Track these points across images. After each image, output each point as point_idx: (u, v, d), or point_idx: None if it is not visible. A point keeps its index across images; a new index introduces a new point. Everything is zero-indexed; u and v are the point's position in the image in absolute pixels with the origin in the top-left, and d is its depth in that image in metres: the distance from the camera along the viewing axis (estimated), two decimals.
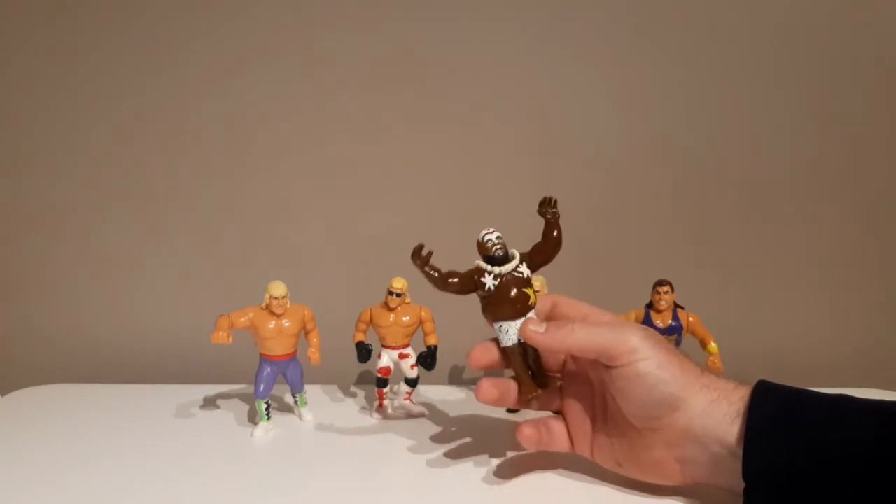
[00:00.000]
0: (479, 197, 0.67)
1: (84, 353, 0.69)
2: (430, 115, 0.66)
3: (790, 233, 0.68)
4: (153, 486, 0.43)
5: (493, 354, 0.43)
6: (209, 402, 0.57)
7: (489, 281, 0.40)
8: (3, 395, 0.60)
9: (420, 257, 0.40)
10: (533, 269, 0.42)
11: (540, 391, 0.42)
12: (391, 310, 0.53)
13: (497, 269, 0.41)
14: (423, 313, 0.54)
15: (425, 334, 0.54)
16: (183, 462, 0.46)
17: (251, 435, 0.51)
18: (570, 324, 0.40)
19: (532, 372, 0.42)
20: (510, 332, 0.41)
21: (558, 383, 0.43)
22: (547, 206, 0.42)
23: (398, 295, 0.52)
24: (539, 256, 0.42)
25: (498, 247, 0.41)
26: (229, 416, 0.55)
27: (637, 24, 0.64)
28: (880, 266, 0.69)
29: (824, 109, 0.66)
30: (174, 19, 0.63)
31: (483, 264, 0.41)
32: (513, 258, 0.41)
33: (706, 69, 0.65)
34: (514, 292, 0.40)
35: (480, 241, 0.41)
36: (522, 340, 0.41)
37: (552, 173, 0.67)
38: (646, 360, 0.38)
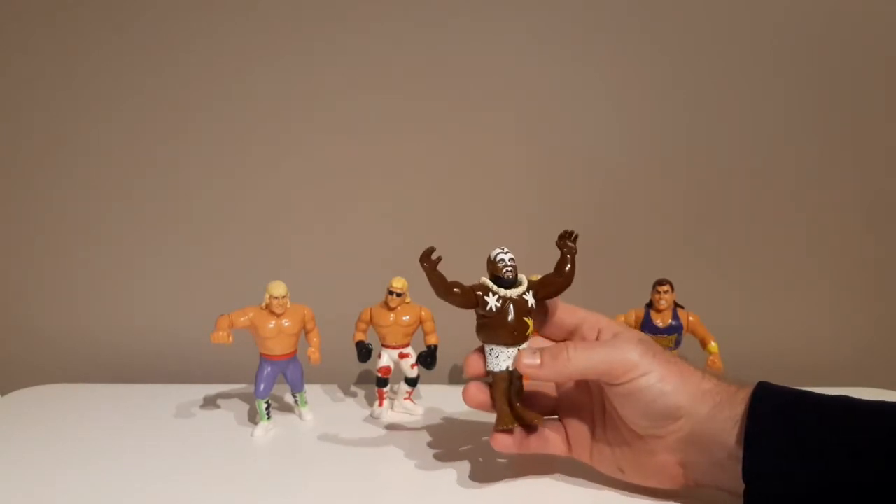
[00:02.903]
0: (480, 197, 0.67)
1: (84, 353, 0.69)
2: (430, 116, 0.65)
3: (790, 233, 0.68)
4: (153, 486, 0.43)
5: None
6: (209, 402, 0.57)
7: (492, 301, 0.39)
8: (3, 395, 0.60)
9: (429, 260, 0.39)
10: (538, 299, 0.41)
11: (514, 426, 0.40)
12: (391, 309, 0.53)
13: (503, 292, 0.40)
14: (423, 313, 0.54)
15: (425, 334, 0.54)
16: (183, 462, 0.46)
17: (251, 435, 0.51)
18: (564, 351, 0.38)
19: (510, 403, 0.41)
20: (500, 357, 0.40)
21: (536, 421, 0.41)
22: (566, 240, 0.40)
23: (398, 294, 0.52)
24: (548, 289, 0.41)
25: (509, 269, 0.40)
26: (229, 415, 0.55)
27: (637, 23, 0.64)
28: (880, 266, 0.69)
29: (825, 109, 0.66)
30: (174, 20, 0.63)
31: (490, 283, 0.40)
32: (520, 284, 0.40)
33: (706, 68, 0.65)
34: (514, 319, 0.39)
35: (492, 259, 0.40)
36: (511, 369, 0.40)
37: (552, 173, 0.67)
38: (647, 375, 0.37)
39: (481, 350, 0.42)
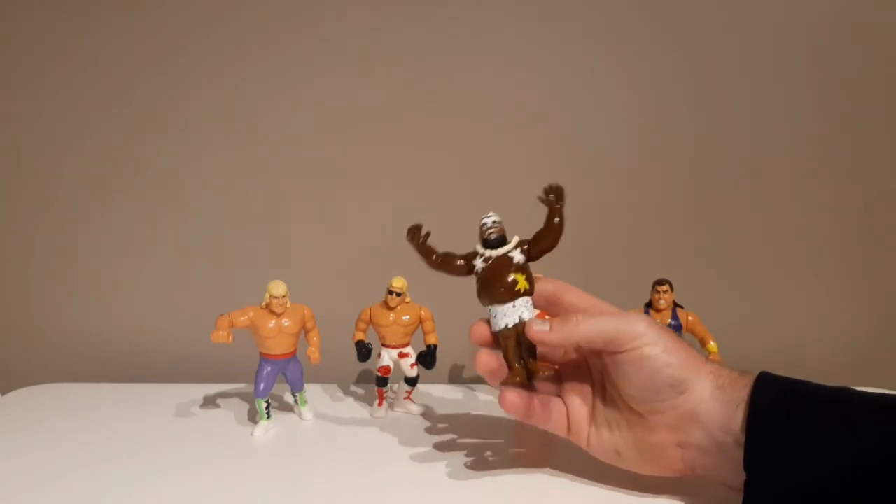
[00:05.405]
0: (480, 196, 0.67)
1: (84, 353, 0.69)
2: (429, 115, 0.66)
3: (790, 232, 0.68)
4: (153, 485, 0.43)
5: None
6: (209, 402, 0.57)
7: (479, 263, 0.41)
8: (3, 395, 0.60)
9: (416, 235, 0.40)
10: (534, 257, 0.41)
11: (522, 379, 0.40)
12: (391, 309, 0.53)
13: (487, 252, 0.41)
14: (422, 312, 0.54)
15: (425, 333, 0.54)
16: (183, 462, 0.46)
17: (251, 434, 0.51)
18: (574, 317, 0.39)
19: (523, 359, 0.41)
20: (498, 316, 0.40)
21: (547, 373, 0.41)
22: (548, 193, 0.41)
23: (398, 294, 0.52)
24: (539, 244, 0.41)
25: (492, 231, 0.41)
26: (229, 415, 0.55)
27: (637, 22, 0.64)
28: (880, 266, 0.69)
29: (825, 109, 0.66)
30: (174, 21, 0.64)
31: (478, 247, 0.41)
32: (507, 243, 0.41)
33: (706, 67, 0.65)
34: (499, 276, 0.40)
35: (479, 226, 0.42)
36: (511, 326, 0.40)
37: (552, 173, 0.66)
38: (652, 345, 0.38)
39: (482, 323, 0.42)
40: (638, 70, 0.65)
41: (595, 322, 0.39)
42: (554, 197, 0.41)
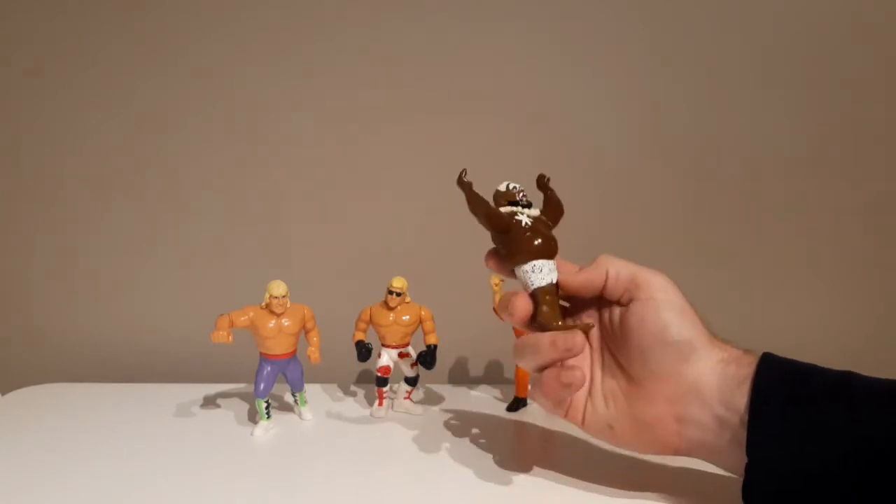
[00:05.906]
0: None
1: (84, 353, 0.69)
2: (429, 115, 0.66)
3: (791, 233, 0.68)
4: (153, 486, 0.43)
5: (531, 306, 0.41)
6: (209, 402, 0.57)
7: (525, 218, 0.41)
8: (3, 395, 0.60)
9: (466, 182, 0.41)
10: (554, 224, 0.43)
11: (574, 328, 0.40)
12: (391, 309, 0.53)
13: (529, 211, 0.42)
14: (422, 312, 0.54)
15: (425, 333, 0.54)
16: (183, 462, 0.46)
17: (251, 434, 0.51)
18: (600, 260, 0.41)
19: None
20: (544, 270, 0.40)
21: (588, 327, 0.41)
22: (545, 179, 0.44)
23: (398, 294, 0.52)
24: (559, 216, 0.43)
25: (524, 194, 0.42)
26: (229, 415, 0.55)
27: (637, 22, 0.64)
28: (880, 266, 0.69)
29: (825, 109, 0.66)
30: (174, 20, 0.64)
31: (514, 207, 0.42)
32: (534, 209, 0.42)
33: (706, 69, 0.65)
34: (547, 232, 0.41)
35: (506, 190, 0.42)
36: (555, 281, 0.41)
37: (552, 173, 0.66)
38: (669, 299, 0.39)
39: (523, 293, 0.42)
40: (638, 70, 0.65)
41: (620, 261, 0.41)
42: (547, 181, 0.44)
